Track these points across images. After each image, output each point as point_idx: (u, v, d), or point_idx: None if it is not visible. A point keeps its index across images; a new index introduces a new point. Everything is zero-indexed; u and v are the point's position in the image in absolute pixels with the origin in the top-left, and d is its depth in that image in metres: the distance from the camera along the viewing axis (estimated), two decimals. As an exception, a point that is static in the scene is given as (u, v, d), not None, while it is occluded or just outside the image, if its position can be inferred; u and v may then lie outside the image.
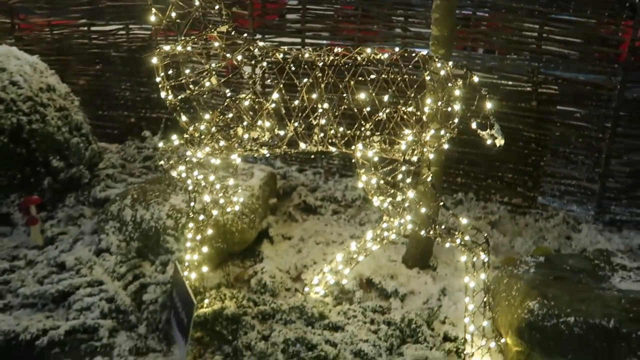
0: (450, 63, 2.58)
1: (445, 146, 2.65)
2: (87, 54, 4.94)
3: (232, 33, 2.57)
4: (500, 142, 2.48)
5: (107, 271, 2.93)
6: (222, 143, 2.60)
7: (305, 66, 2.54)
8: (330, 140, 2.55)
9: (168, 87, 2.48)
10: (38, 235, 3.25)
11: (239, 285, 3.01)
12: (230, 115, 2.61)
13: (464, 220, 2.58)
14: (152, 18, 2.41)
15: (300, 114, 2.54)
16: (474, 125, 2.49)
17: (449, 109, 2.50)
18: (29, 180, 3.53)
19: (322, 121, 2.53)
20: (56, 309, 2.71)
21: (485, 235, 2.54)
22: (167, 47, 2.45)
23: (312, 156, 4.41)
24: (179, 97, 2.51)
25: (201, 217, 2.67)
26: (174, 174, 2.75)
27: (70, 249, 3.20)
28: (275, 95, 2.52)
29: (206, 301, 2.73)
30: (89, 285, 2.81)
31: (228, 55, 2.57)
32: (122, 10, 4.72)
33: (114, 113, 5.04)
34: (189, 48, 2.48)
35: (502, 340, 2.56)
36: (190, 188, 2.69)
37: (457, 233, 2.50)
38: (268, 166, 4.08)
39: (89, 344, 2.48)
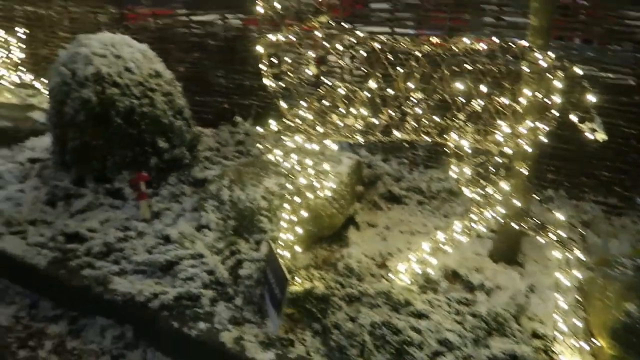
0: (551, 54, 2.52)
1: (544, 140, 2.60)
2: (187, 42, 5.27)
3: (331, 23, 2.68)
4: (601, 136, 2.39)
5: (206, 245, 3.18)
6: (317, 129, 2.72)
7: (401, 55, 2.59)
8: (424, 129, 2.59)
9: (270, 75, 2.63)
10: (146, 210, 3.56)
11: (327, 268, 3.14)
12: (326, 102, 2.73)
13: (559, 216, 2.54)
14: (259, 9, 2.55)
15: (394, 103, 2.60)
16: (573, 118, 2.42)
17: (547, 101, 2.45)
18: (138, 159, 3.87)
19: (416, 110, 2.58)
20: (163, 277, 2.98)
21: (580, 231, 2.48)
22: (271, 37, 2.59)
23: (401, 145, 4.44)
24: (280, 84, 2.66)
25: (296, 199, 2.81)
26: (270, 157, 2.92)
27: (173, 223, 3.48)
28: (370, 84, 2.60)
29: (297, 280, 2.89)
30: (192, 257, 3.07)
31: (326, 44, 2.67)
32: (219, 1, 4.98)
33: (208, 99, 5.34)
34: (291, 37, 2.61)
35: (594, 342, 2.50)
36: (286, 171, 2.85)
37: (550, 228, 2.47)
38: (354, 154, 4.17)
39: (193, 310, 2.71)
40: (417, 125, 2.58)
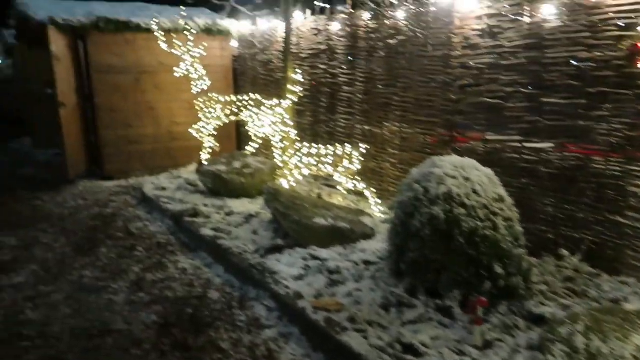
0: None
1: None
2: (515, 167, 5.23)
3: None
4: None
5: (558, 398, 2.80)
6: None
7: None
8: None
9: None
10: (479, 336, 3.41)
11: None
12: None
13: None
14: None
15: None
16: None
17: None
18: (471, 281, 3.82)
19: None
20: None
21: None
22: None
23: None
24: None
25: None
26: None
27: (509, 358, 3.22)
28: None
29: None
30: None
31: None
32: (559, 129, 4.85)
33: (530, 226, 5.09)
34: None
35: None
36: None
37: None
38: None
39: None
40: None
